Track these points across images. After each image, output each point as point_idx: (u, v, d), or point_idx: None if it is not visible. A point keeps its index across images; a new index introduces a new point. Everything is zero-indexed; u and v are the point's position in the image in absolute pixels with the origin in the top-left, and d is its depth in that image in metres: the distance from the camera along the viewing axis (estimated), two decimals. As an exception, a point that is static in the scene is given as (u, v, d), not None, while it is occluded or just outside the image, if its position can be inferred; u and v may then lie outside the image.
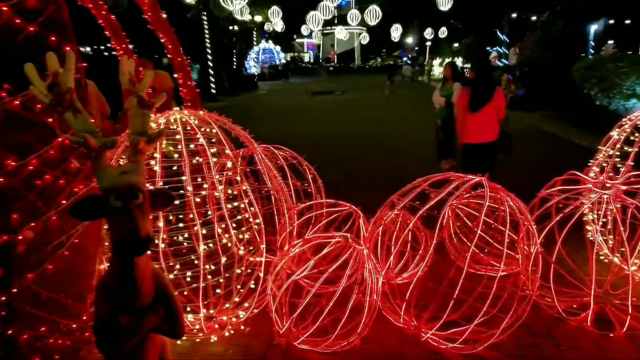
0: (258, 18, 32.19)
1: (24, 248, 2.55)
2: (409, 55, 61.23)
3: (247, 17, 24.18)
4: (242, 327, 3.27)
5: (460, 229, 4.15)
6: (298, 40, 66.44)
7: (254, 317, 3.34)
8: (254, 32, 40.86)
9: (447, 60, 38.38)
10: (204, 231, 2.92)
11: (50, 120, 2.57)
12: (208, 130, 3.27)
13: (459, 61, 33.71)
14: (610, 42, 21.36)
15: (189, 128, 3.16)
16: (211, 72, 23.26)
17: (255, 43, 43.55)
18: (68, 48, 2.67)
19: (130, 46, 4.56)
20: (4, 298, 2.61)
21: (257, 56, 44.93)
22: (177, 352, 3.03)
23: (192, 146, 3.07)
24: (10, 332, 2.65)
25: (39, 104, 2.39)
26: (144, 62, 4.95)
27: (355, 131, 12.93)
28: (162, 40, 4.54)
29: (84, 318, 2.93)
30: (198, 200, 2.92)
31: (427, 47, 48.15)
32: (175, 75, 4.73)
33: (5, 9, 2.59)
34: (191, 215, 2.91)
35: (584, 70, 12.14)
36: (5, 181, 2.45)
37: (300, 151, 4.44)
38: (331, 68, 58.28)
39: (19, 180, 2.46)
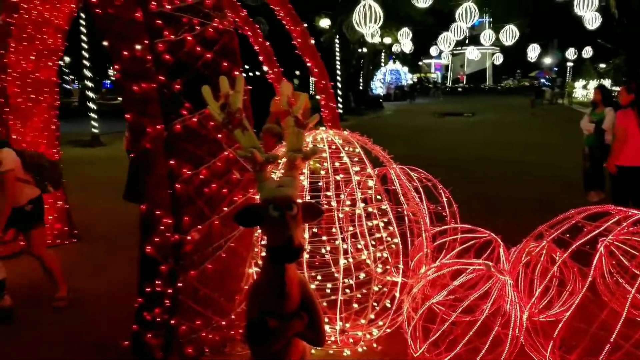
0: (388, 40, 32.60)
1: (190, 248, 2.88)
2: (547, 77, 57.31)
3: (377, 39, 24.58)
4: (375, 345, 3.31)
5: (614, 267, 3.77)
6: (426, 60, 65.80)
7: (387, 336, 3.36)
8: (382, 54, 41.41)
9: (592, 82, 35.20)
10: (345, 246, 3.04)
11: (220, 136, 2.88)
12: (351, 149, 3.41)
13: (606, 83, 30.69)
14: None
15: (334, 147, 3.33)
16: (339, 92, 24.02)
17: (382, 64, 44.10)
18: (237, 72, 2.99)
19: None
20: (170, 290, 2.97)
21: (383, 77, 45.47)
22: (311, 361, 3.15)
23: (337, 164, 3.22)
24: (172, 321, 2.99)
25: (213, 121, 2.70)
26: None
27: (491, 154, 12.39)
28: (308, 64, 4.84)
29: (232, 317, 3.20)
30: (341, 215, 3.05)
31: (568, 68, 44.69)
32: (317, 97, 5.00)
33: (189, 38, 2.99)
34: (333, 230, 3.05)
35: None
36: (181, 188, 2.81)
37: (433, 173, 4.38)
38: (459, 89, 56.75)
39: (192, 187, 2.80)
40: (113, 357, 3.28)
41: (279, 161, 3.14)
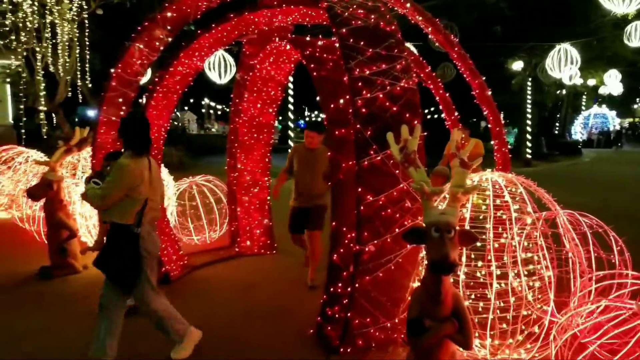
0: (592, 81, 30.06)
1: (367, 257, 3.66)
2: None
3: (577, 80, 23.01)
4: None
5: None
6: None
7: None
8: (584, 96, 38.07)
9: None
10: (498, 272, 3.47)
11: (397, 172, 3.63)
12: (513, 189, 3.83)
13: None
14: None
15: (497, 187, 3.80)
16: (528, 137, 23.01)
17: (583, 107, 40.48)
18: (416, 122, 3.73)
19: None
20: (349, 289, 3.77)
21: (586, 121, 41.62)
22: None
23: (498, 201, 3.69)
24: (349, 315, 3.78)
25: (393, 160, 3.46)
26: (464, 130, 5.87)
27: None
28: (485, 112, 5.34)
29: (396, 320, 3.84)
30: (496, 245, 3.50)
31: None
32: (491, 142, 5.44)
33: (381, 96, 3.84)
34: (489, 257, 3.51)
35: None
36: (364, 210, 3.62)
37: (613, 222, 4.39)
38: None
39: (373, 210, 3.59)
40: (302, 342, 4.20)
41: (445, 195, 3.74)
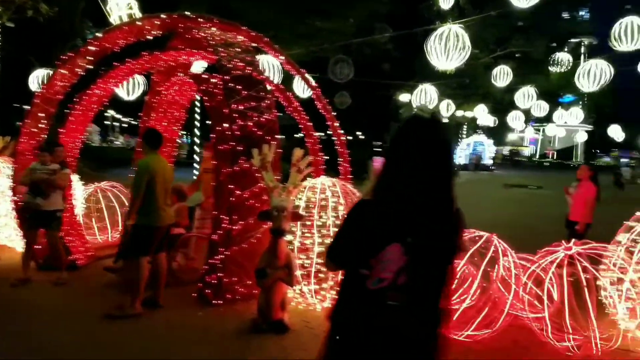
0: (470, 113, 34.54)
1: (236, 233, 5.36)
2: (630, 156, 55.72)
3: (449, 113, 26.64)
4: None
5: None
6: (521, 134, 65.75)
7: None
8: (464, 126, 43.14)
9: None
10: (320, 240, 5.34)
11: (258, 175, 5.40)
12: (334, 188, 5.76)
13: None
14: None
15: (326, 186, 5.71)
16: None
17: (464, 136, 45.63)
18: (273, 142, 5.54)
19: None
20: (221, 256, 5.44)
21: (467, 147, 46.81)
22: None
23: (323, 195, 5.58)
24: (221, 275, 5.43)
25: (254, 166, 5.21)
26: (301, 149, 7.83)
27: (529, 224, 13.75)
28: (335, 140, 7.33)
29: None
30: (320, 223, 5.38)
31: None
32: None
33: (250, 124, 5.61)
34: (313, 231, 5.37)
35: None
36: (234, 201, 5.34)
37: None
38: (546, 163, 56.55)
39: (240, 201, 5.33)
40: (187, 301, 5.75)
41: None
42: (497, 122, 37.32)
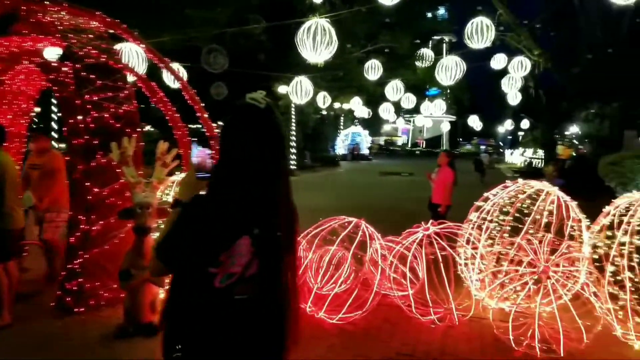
0: (347, 105, 35.83)
1: (95, 234, 4.93)
2: (487, 144, 63.16)
3: (328, 104, 27.38)
4: None
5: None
6: (394, 125, 69.81)
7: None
8: (342, 117, 44.77)
9: (525, 150, 38.96)
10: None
11: (118, 170, 5.02)
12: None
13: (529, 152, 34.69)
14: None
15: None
16: (293, 151, 26.53)
17: (342, 127, 47.35)
18: (134, 135, 5.18)
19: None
20: (81, 260, 4.98)
21: (345, 138, 48.67)
22: None
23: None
24: (81, 280, 4.98)
25: (114, 161, 4.84)
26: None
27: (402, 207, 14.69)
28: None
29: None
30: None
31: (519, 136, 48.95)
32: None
33: (107, 116, 5.18)
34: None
35: (607, 165, 13.10)
36: (92, 199, 4.91)
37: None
38: (417, 152, 61.15)
39: (98, 199, 4.91)
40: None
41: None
42: (371, 114, 39.17)
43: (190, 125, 10.24)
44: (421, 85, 42.90)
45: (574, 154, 28.00)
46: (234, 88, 24.01)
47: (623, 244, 4.89)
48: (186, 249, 1.72)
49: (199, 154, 1.87)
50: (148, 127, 26.87)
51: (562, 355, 4.48)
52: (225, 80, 22.68)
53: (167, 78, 11.33)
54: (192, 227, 1.73)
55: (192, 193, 1.84)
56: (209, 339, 1.74)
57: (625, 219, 4.99)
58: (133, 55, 8.99)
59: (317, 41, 8.16)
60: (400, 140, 74.95)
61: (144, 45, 6.50)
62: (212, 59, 14.60)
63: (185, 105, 7.08)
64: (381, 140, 69.22)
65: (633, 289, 4.85)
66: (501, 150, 54.43)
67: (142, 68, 9.03)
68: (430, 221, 5.72)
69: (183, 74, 15.37)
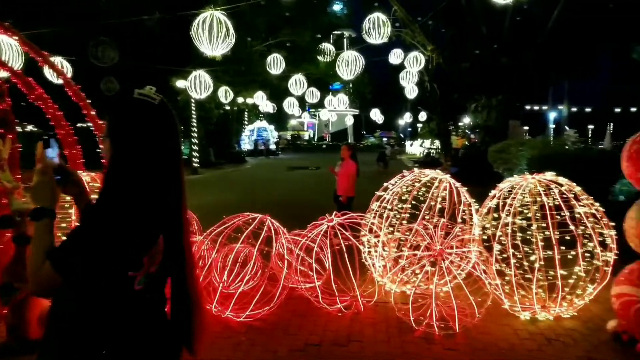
0: (250, 100, 35.35)
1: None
2: (388, 136, 66.56)
3: (230, 99, 26.83)
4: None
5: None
6: (300, 119, 70.25)
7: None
8: (246, 112, 44.17)
9: (424, 141, 41.33)
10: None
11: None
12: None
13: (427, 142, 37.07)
14: (571, 130, 23.98)
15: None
16: (195, 148, 25.71)
17: (246, 122, 46.75)
18: (10, 136, 4.68)
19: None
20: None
21: (251, 134, 48.11)
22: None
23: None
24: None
25: None
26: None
27: (311, 199, 14.85)
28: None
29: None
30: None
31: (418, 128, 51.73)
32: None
33: (-25, 114, 4.62)
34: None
35: (495, 153, 14.26)
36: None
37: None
38: (324, 146, 62.30)
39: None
40: None
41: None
42: (276, 108, 39.14)
43: (80, 124, 9.56)
44: (325, 79, 43.72)
45: (467, 143, 30.25)
46: (128, 83, 22.72)
47: (507, 224, 5.32)
48: (107, 258, 1.63)
49: (50, 154, 1.75)
50: (31, 127, 24.61)
51: (457, 330, 4.80)
52: (117, 75, 21.38)
53: (49, 73, 10.40)
54: (112, 235, 1.63)
55: (52, 197, 1.74)
56: (133, 339, 1.73)
57: (508, 201, 5.44)
58: (7, 48, 8.13)
59: (213, 34, 7.92)
60: (307, 135, 75.75)
61: (17, 37, 5.88)
62: (100, 52, 13.62)
63: (74, 103, 6.56)
64: (288, 135, 69.47)
65: (518, 265, 5.30)
66: (402, 142, 57.34)
67: (18, 62, 8.20)
68: (334, 212, 5.83)
69: (67, 68, 14.23)
